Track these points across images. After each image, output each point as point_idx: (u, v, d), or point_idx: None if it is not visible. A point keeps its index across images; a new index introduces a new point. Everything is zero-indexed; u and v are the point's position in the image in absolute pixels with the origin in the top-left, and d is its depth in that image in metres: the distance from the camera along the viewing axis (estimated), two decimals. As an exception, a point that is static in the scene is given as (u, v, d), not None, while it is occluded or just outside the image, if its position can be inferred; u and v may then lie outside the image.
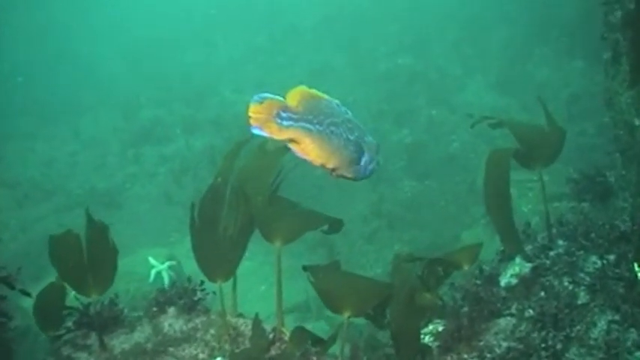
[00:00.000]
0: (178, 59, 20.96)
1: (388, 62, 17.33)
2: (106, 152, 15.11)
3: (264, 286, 9.70)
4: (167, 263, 8.68)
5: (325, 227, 3.88)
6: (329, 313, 9.24)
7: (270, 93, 2.58)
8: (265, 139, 4.06)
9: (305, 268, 3.76)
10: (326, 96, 2.65)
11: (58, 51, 21.72)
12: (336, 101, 2.67)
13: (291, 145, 2.61)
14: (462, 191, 11.46)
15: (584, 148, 11.66)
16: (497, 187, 3.95)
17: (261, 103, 2.51)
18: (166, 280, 8.45)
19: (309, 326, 9.16)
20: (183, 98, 17.42)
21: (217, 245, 3.84)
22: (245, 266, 10.63)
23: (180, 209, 11.13)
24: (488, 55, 16.29)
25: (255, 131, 2.53)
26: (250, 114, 2.49)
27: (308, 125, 2.59)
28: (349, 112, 2.70)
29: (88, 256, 3.89)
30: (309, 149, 2.61)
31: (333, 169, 2.71)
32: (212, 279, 3.87)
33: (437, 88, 15.33)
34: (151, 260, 8.71)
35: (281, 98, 2.56)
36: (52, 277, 10.73)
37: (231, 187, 3.87)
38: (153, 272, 8.61)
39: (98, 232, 3.90)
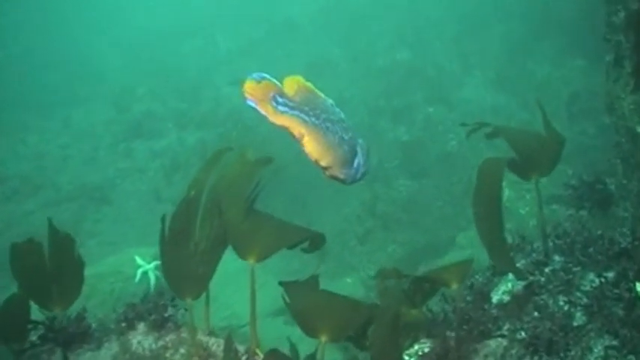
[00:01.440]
0: (175, 51, 20.70)
1: (386, 57, 17.06)
2: (98, 146, 14.81)
3: (256, 284, 9.44)
4: (154, 263, 8.46)
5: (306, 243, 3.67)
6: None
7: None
8: (246, 148, 3.86)
9: (281, 284, 3.53)
10: (321, 93, 2.57)
11: (52, 42, 21.40)
12: (331, 101, 2.58)
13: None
14: (459, 191, 11.21)
15: (584, 149, 11.48)
16: (488, 200, 3.66)
17: (258, 82, 2.44)
18: (152, 280, 8.25)
19: (297, 331, 8.98)
20: (178, 91, 17.16)
21: (188, 261, 3.58)
22: (235, 266, 10.40)
23: (169, 207, 10.86)
24: (487, 51, 16.00)
25: (250, 104, 2.45)
26: (246, 92, 2.43)
27: (303, 116, 2.51)
28: (342, 113, 2.60)
29: (52, 268, 3.63)
30: (304, 141, 2.52)
31: (326, 168, 2.60)
32: (181, 296, 3.60)
33: (435, 84, 15.06)
34: (138, 259, 8.50)
35: (278, 83, 2.49)
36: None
37: (206, 199, 3.62)
38: (139, 272, 8.40)
39: (62, 243, 3.65)
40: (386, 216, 11.11)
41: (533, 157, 3.98)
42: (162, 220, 3.62)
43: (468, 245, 9.58)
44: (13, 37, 21.14)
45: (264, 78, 2.46)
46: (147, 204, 12.07)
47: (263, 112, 2.46)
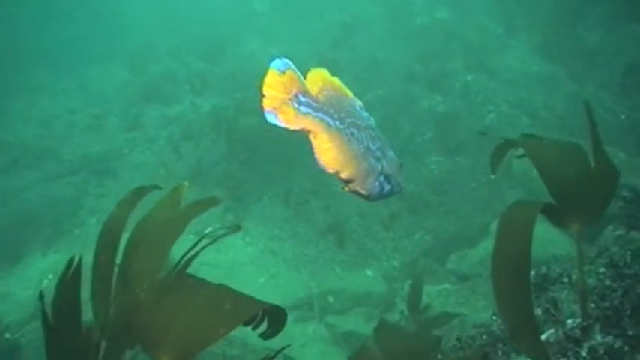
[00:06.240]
0: (203, 5, 19.78)
1: (424, 16, 16.00)
2: (108, 111, 14.01)
3: (262, 277, 8.67)
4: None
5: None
6: (331, 318, 8.27)
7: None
8: (182, 183, 3.02)
9: None
10: (350, 92, 2.17)
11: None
12: (359, 102, 2.21)
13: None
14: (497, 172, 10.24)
15: (637, 127, 10.51)
16: (513, 266, 2.70)
17: (282, 72, 1.99)
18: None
19: (309, 328, 8.29)
20: (200, 49, 16.32)
21: (79, 356, 2.46)
22: (244, 253, 9.66)
23: (176, 183, 10.11)
24: (534, 14, 14.80)
25: (270, 119, 1.98)
26: (265, 90, 1.96)
27: (327, 119, 2.09)
28: (372, 119, 2.26)
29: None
30: (325, 149, 2.09)
31: (348, 181, 2.21)
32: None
33: (475, 49, 14.00)
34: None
35: (302, 77, 2.03)
36: (33, 258, 9.78)
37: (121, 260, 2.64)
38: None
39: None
40: (414, 197, 10.22)
41: (575, 195, 3.02)
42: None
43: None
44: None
45: (288, 67, 1.99)
46: (154, 179, 11.20)
47: (282, 120, 1.99)
